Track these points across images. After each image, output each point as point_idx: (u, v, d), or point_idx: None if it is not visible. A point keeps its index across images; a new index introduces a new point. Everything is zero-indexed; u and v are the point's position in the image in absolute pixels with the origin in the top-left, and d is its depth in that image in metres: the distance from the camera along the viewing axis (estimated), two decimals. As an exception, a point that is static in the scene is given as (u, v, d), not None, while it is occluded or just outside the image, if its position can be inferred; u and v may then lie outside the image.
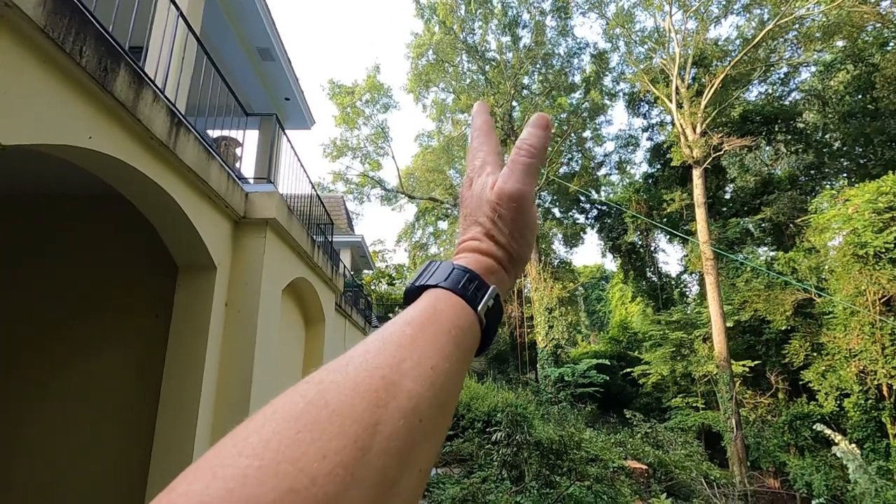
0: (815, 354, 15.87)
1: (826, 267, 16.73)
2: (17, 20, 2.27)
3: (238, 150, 6.49)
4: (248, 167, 8.08)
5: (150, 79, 3.32)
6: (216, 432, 4.22)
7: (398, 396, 0.29)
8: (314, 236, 6.89)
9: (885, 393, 13.28)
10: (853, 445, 11.77)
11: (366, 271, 24.51)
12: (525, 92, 26.60)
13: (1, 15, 2.22)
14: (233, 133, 6.35)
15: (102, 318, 4.48)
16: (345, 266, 13.50)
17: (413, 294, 0.41)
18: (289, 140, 6.54)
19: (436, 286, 0.40)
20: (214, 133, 6.23)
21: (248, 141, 6.51)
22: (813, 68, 22.29)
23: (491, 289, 0.42)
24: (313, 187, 7.77)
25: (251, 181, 6.06)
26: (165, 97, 3.52)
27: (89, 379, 4.33)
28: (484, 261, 0.45)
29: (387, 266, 26.41)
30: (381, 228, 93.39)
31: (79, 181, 4.07)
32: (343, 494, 0.24)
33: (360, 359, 0.31)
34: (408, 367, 0.31)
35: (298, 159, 6.60)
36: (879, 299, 13.47)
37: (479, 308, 0.40)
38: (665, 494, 10.68)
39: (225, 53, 7.54)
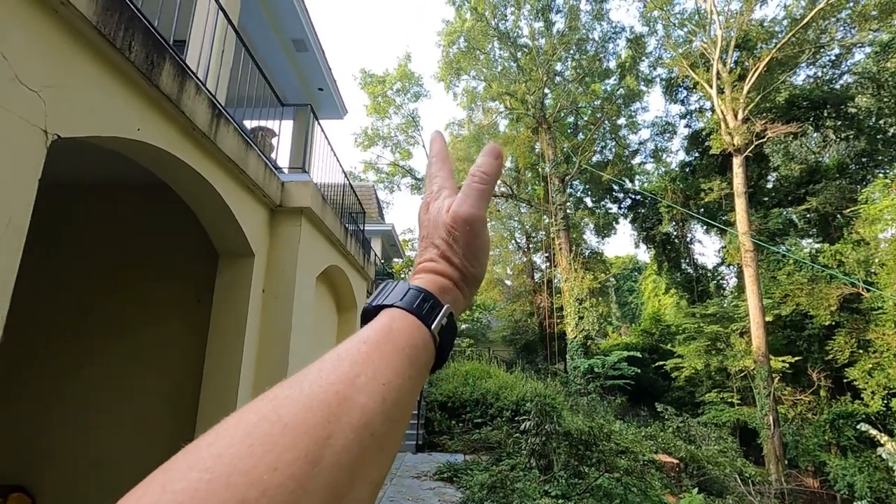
0: (861, 351, 15.16)
1: (876, 260, 15.87)
2: (72, 17, 2.39)
3: (274, 141, 6.64)
4: (283, 157, 8.26)
5: (192, 71, 3.43)
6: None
7: (350, 412, 0.30)
8: (346, 225, 7.01)
9: (937, 393, 12.61)
10: (900, 447, 11.24)
11: (396, 259, 24.78)
12: (557, 79, 26.06)
13: (56, 12, 2.34)
14: (269, 123, 6.50)
15: (149, 300, 4.71)
16: (375, 254, 13.68)
17: (370, 314, 0.42)
18: (322, 130, 6.65)
19: (391, 306, 0.42)
20: (251, 124, 6.39)
21: (284, 131, 6.65)
22: (868, 49, 20.93)
23: (444, 308, 0.44)
24: (346, 176, 7.89)
25: (286, 171, 6.20)
26: (207, 89, 3.63)
27: (137, 358, 4.58)
28: (439, 281, 0.47)
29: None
30: (412, 217, 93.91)
31: (126, 171, 4.26)
32: None
33: (314, 375, 0.32)
34: (361, 383, 0.32)
35: (332, 149, 6.70)
36: (934, 295, 12.74)
37: (433, 326, 0.42)
38: (697, 490, 10.50)
39: (261, 45, 7.69)
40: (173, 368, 4.52)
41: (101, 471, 4.27)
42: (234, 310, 4.37)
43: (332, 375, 0.32)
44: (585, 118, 27.09)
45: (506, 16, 25.18)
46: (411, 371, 0.37)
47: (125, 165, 3.65)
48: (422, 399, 11.35)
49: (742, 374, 18.05)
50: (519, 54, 25.11)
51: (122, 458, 4.23)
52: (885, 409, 14.07)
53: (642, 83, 26.14)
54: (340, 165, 7.23)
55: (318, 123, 6.74)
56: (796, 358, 17.24)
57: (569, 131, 26.87)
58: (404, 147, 28.65)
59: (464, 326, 27.53)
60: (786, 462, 15.44)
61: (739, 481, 12.06)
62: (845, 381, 15.71)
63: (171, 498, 0.23)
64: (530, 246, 31.76)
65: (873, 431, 11.59)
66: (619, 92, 25.59)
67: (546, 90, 24.87)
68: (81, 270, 4.78)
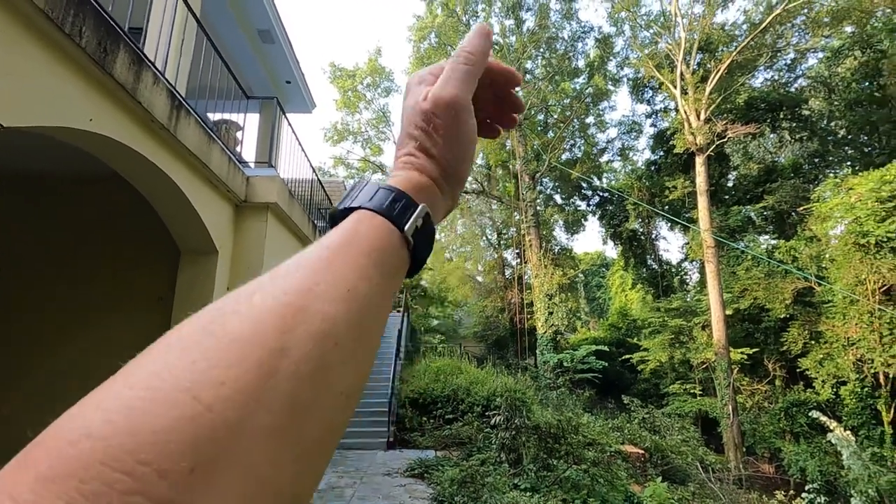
0: (813, 343, 15.95)
1: (827, 256, 16.72)
2: (17, 0, 2.25)
3: (239, 134, 6.46)
4: (248, 151, 8.04)
5: (149, 61, 3.29)
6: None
7: (308, 320, 0.28)
8: (315, 220, 6.90)
9: (881, 381, 13.37)
10: (848, 432, 11.90)
11: (367, 256, 24.55)
12: (528, 76, 26.29)
13: (-1, -6, 2.20)
14: (233, 117, 6.31)
15: (108, 297, 4.52)
16: (346, 251, 13.52)
17: (337, 218, 0.39)
18: (289, 124, 6.51)
19: (359, 208, 0.38)
20: (215, 116, 6.19)
21: (249, 125, 6.48)
22: (820, 54, 21.96)
23: (419, 207, 0.40)
24: (314, 172, 7.75)
25: (252, 165, 6.04)
26: (165, 79, 3.49)
27: (90, 356, 4.38)
28: (415, 178, 0.42)
29: (388, 251, 26.37)
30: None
31: (80, 163, 4.06)
32: (247, 419, 0.23)
33: (268, 286, 0.30)
34: (321, 290, 0.30)
35: (299, 143, 6.57)
36: (879, 288, 13.49)
37: (406, 228, 0.38)
38: (661, 478, 10.84)
39: (225, 35, 7.45)
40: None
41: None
42: (197, 309, 4.23)
43: (286, 283, 0.30)
44: (555, 116, 27.45)
45: (476, 12, 25.24)
46: (380, 276, 0.34)
47: (80, 156, 3.48)
48: (392, 396, 11.30)
49: (704, 366, 18.73)
50: (490, 51, 25.19)
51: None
52: (834, 396, 14.85)
53: (610, 83, 26.67)
54: (308, 160, 7.10)
55: (285, 117, 6.59)
56: (754, 350, 18.01)
57: (539, 129, 27.17)
58: (375, 143, 28.39)
59: (435, 323, 27.56)
60: (744, 449, 16.12)
61: (701, 469, 12.52)
62: (798, 370, 16.50)
63: (103, 416, 0.21)
64: (501, 242, 32.02)
65: (824, 418, 12.23)
66: (587, 91, 26.04)
67: (517, 88, 25.04)
68: (35, 264, 4.53)
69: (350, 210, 0.38)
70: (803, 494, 12.11)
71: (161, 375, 0.23)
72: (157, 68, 3.43)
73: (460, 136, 0.45)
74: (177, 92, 3.63)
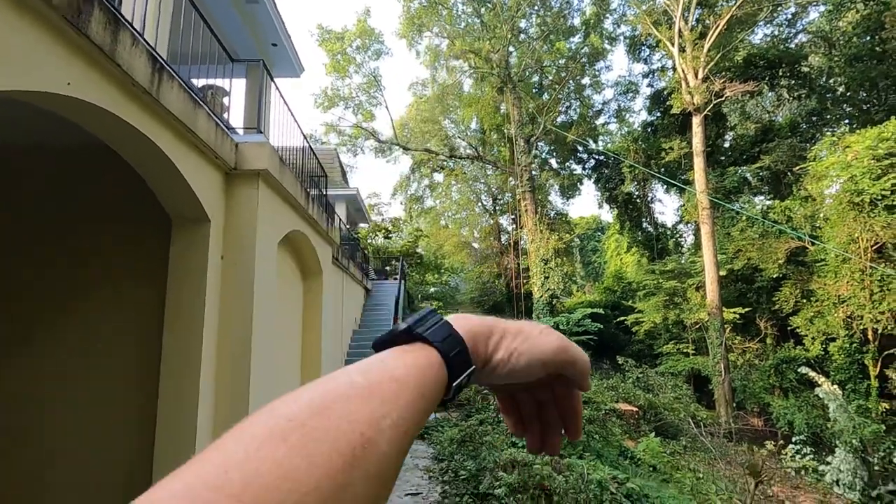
0: (804, 301, 16.20)
1: (821, 215, 16.77)
2: (-22, -47, 2.12)
3: (225, 100, 6.28)
4: (236, 117, 7.85)
5: (126, 21, 3.15)
6: (219, 380, 4.33)
7: (370, 459, 0.28)
8: (308, 189, 6.81)
9: (869, 337, 13.67)
10: (835, 387, 12.26)
11: (362, 224, 24.45)
12: (522, 36, 25.57)
13: (-41, -52, 2.07)
14: (219, 82, 6.12)
15: (100, 267, 4.48)
16: (340, 219, 13.44)
17: (402, 337, 0.40)
18: (277, 88, 6.33)
19: (430, 344, 0.39)
20: (199, 82, 6.00)
21: (236, 90, 6.29)
22: (822, 7, 21.39)
23: (472, 369, 0.41)
24: (305, 139, 7.60)
25: (240, 132, 5.90)
26: (145, 41, 3.36)
27: (87, 327, 4.38)
28: (475, 330, 0.43)
29: (383, 219, 26.28)
30: (377, 181, 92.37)
31: (61, 131, 3.95)
32: None
33: (342, 406, 0.30)
34: (386, 426, 0.31)
35: (289, 108, 6.41)
36: (872, 246, 13.61)
37: (455, 383, 0.39)
38: (654, 433, 11.20)
39: (206, -5, 7.13)
40: (129, 337, 4.35)
41: (60, 457, 4.14)
42: (191, 277, 4.21)
43: (361, 411, 0.30)
44: (550, 77, 26.86)
45: (468, -32, 24.29)
46: (424, 420, 0.36)
47: (60, 123, 3.38)
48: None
49: (697, 326, 19.07)
50: (483, 10, 24.39)
51: (76, 442, 4.11)
52: (823, 353, 15.21)
53: (606, 41, 26.01)
54: (299, 127, 6.95)
55: (273, 81, 6.40)
56: (746, 309, 18.31)
57: (534, 91, 26.63)
58: (367, 108, 27.79)
59: (432, 290, 27.75)
60: (734, 405, 16.62)
61: (692, 424, 12.93)
62: (789, 328, 16.83)
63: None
64: (496, 208, 31.91)
65: (812, 374, 12.56)
66: (583, 50, 25.40)
67: (511, 48, 24.39)
68: (15, 240, 4.47)
69: (414, 335, 0.40)
70: (790, 446, 12.57)
71: (251, 485, 0.24)
72: (135, 29, 3.28)
73: (518, 367, 0.45)
74: (157, 54, 3.49)
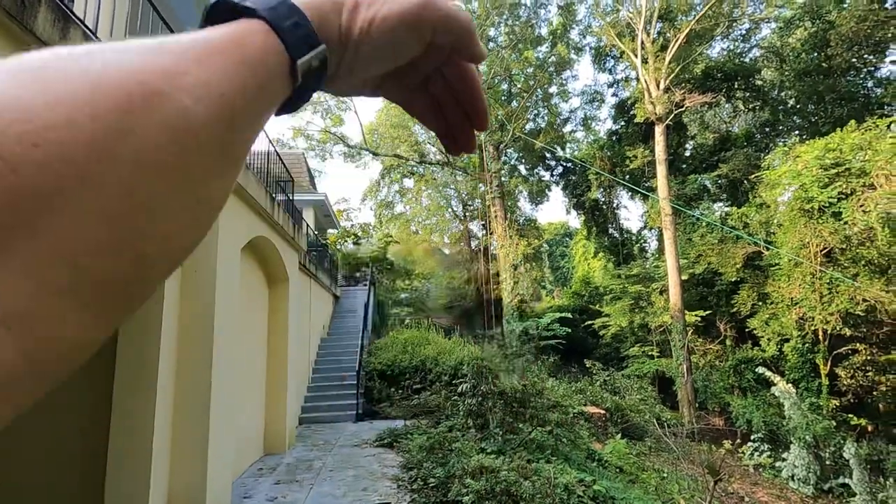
0: (760, 304, 16.90)
1: (775, 221, 17.56)
2: None
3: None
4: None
5: (77, 17, 3.02)
6: (179, 385, 4.17)
7: (165, 108, 0.23)
8: (273, 194, 6.67)
9: (820, 337, 14.35)
10: (790, 385, 12.82)
11: (330, 231, 24.10)
12: (491, 45, 25.89)
13: None
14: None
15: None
16: (308, 225, 13.22)
17: (221, 11, 0.31)
18: (241, 91, 6.18)
19: (254, 12, 0.30)
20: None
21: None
22: (773, 25, 22.56)
23: (321, 48, 0.32)
24: (270, 142, 7.46)
25: (202, 135, 5.73)
26: (97, 39, 3.22)
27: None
28: (328, 15, 0.34)
29: (352, 225, 26.03)
30: (346, 187, 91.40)
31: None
32: (66, 192, 0.20)
33: (113, 57, 0.23)
34: (188, 83, 0.24)
35: (253, 112, 6.27)
36: (821, 251, 14.33)
37: (300, 62, 0.31)
38: (620, 435, 11.42)
39: (166, -6, 6.92)
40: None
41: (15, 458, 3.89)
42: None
43: (141, 62, 0.24)
44: (519, 86, 27.27)
45: (438, -24, 24.45)
46: (255, 96, 0.28)
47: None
48: (360, 369, 11.33)
49: (661, 329, 19.61)
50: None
51: (29, 444, 3.87)
52: (778, 353, 15.88)
53: (573, 51, 26.62)
54: (264, 130, 6.80)
55: (237, 84, 6.25)
56: (707, 312, 18.98)
57: (503, 98, 26.97)
58: (335, 113, 27.53)
59: (403, 296, 27.59)
60: (696, 405, 17.16)
61: (657, 425, 13.25)
62: (747, 330, 17.51)
63: None
64: (467, 214, 32.08)
65: (769, 374, 13.10)
66: (550, 59, 25.91)
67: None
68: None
69: (238, 9, 0.31)
70: (749, 443, 13.04)
71: None
72: (86, 26, 3.15)
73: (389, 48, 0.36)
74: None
